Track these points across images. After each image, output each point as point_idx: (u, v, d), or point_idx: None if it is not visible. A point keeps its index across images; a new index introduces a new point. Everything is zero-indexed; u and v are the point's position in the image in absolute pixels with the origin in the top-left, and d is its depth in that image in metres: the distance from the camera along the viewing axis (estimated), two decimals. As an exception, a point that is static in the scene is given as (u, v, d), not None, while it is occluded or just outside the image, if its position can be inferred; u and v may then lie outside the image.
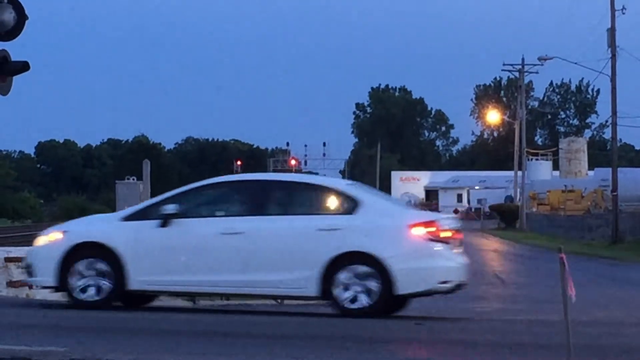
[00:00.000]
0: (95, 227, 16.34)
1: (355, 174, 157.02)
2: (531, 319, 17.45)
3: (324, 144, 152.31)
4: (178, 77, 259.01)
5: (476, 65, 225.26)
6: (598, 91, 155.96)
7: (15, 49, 17.56)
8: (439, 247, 15.43)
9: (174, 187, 18.71)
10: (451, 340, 13.18)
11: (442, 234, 15.52)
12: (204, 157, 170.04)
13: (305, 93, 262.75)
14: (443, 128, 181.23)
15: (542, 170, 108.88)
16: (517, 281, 30.52)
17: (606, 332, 14.62)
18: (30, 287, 18.02)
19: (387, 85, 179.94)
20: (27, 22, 17.32)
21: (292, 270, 15.25)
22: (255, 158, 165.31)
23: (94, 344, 11.58)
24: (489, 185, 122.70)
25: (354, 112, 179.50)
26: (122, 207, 45.14)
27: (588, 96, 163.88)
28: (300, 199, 16.43)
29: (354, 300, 15.11)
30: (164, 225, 15.70)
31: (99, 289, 15.65)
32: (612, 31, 57.63)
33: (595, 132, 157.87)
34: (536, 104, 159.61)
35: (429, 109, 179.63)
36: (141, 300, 16.68)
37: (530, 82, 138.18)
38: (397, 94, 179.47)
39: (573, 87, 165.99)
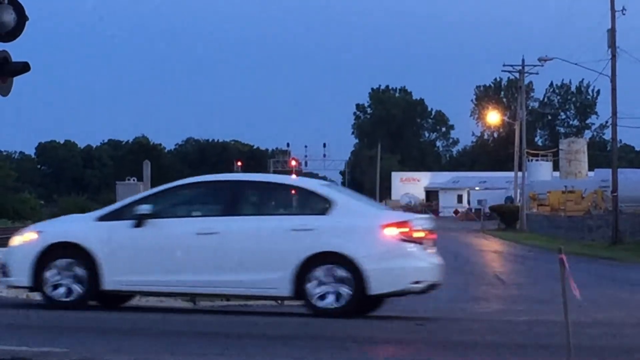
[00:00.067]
0: (70, 227, 16.39)
1: (355, 175, 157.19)
2: (531, 319, 17.46)
3: (324, 145, 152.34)
4: (178, 78, 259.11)
5: (476, 66, 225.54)
6: (598, 92, 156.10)
7: (15, 50, 17.58)
8: (412, 247, 15.50)
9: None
10: (452, 341, 13.19)
11: (415, 235, 15.58)
12: (204, 157, 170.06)
13: (305, 94, 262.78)
14: (443, 129, 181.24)
15: (542, 171, 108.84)
16: (518, 282, 30.51)
17: (606, 332, 14.62)
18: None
19: (387, 86, 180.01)
20: (27, 22, 17.34)
21: (266, 271, 15.33)
22: (256, 159, 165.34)
23: (94, 344, 11.59)
24: (489, 186, 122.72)
25: (354, 113, 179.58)
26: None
27: (588, 97, 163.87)
28: (274, 199, 16.53)
29: (327, 300, 15.18)
30: (138, 225, 15.77)
31: (73, 289, 15.71)
32: (612, 32, 57.61)
33: (595, 133, 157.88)
34: (536, 104, 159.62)
35: (429, 109, 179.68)
36: (117, 300, 16.70)
37: (531, 82, 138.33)
38: (397, 94, 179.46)
39: (573, 88, 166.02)
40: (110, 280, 15.64)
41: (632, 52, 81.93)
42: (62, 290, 15.69)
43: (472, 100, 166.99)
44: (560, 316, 10.29)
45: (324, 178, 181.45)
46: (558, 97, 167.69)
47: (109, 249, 15.71)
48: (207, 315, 16.38)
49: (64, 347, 11.06)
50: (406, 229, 15.46)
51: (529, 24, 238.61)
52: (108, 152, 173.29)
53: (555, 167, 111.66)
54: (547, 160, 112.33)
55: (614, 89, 57.76)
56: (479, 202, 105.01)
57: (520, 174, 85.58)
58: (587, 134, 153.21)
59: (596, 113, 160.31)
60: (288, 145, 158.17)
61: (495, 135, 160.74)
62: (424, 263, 15.68)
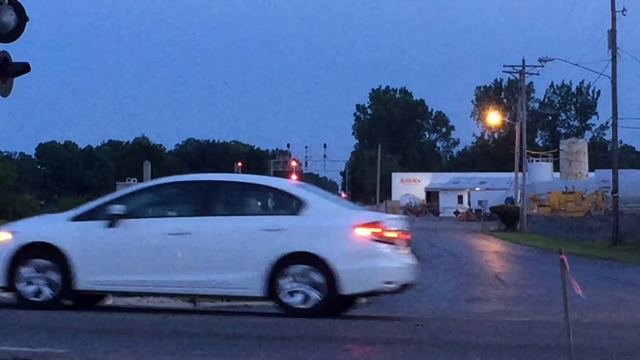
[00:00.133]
0: (43, 227, 16.41)
1: (356, 176, 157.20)
2: (532, 320, 17.45)
3: (325, 146, 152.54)
4: (179, 79, 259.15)
5: (477, 67, 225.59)
6: (599, 92, 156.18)
7: (15, 51, 17.59)
8: (383, 247, 15.50)
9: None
10: (452, 342, 13.18)
11: (388, 235, 15.58)
12: (204, 158, 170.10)
13: (306, 94, 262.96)
14: (444, 129, 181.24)
15: (542, 171, 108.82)
16: (518, 282, 30.49)
17: (607, 333, 14.61)
18: None
19: (387, 87, 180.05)
20: (27, 23, 17.35)
21: (238, 271, 15.37)
22: (256, 159, 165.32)
23: (95, 345, 11.59)
24: (489, 187, 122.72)
25: (355, 114, 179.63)
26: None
27: (589, 97, 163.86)
28: (246, 199, 16.55)
29: (298, 300, 15.22)
30: (111, 225, 15.79)
31: (46, 289, 15.74)
32: (612, 32, 57.61)
33: (595, 134, 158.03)
34: (537, 105, 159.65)
35: (429, 110, 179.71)
36: (92, 299, 16.71)
37: (531, 83, 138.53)
38: (397, 95, 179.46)
39: (574, 89, 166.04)
40: (83, 280, 15.70)
41: (632, 52, 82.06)
42: (35, 289, 15.74)
43: (472, 101, 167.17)
44: (561, 317, 10.29)
45: (325, 178, 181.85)
46: (558, 98, 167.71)
47: (82, 249, 15.76)
48: (207, 316, 16.37)
49: (65, 347, 11.06)
50: (378, 229, 15.48)
51: (530, 24, 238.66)
52: (108, 152, 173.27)
53: (556, 168, 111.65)
54: (547, 161, 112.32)
55: (614, 90, 57.75)
56: (480, 202, 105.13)
57: (520, 174, 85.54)
58: (588, 134, 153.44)
59: (597, 114, 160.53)
60: (288, 146, 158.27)
61: (496, 135, 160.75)
62: (396, 263, 15.68)
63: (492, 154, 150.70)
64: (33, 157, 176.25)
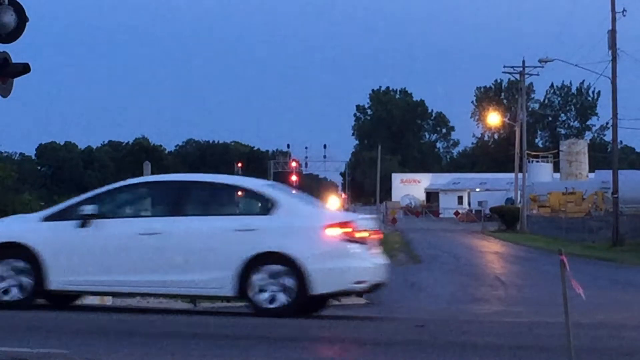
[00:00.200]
0: (15, 227, 16.43)
1: (356, 176, 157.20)
2: (532, 320, 17.45)
3: (325, 146, 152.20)
4: (178, 79, 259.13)
5: (477, 68, 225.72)
6: (599, 93, 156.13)
7: (16, 51, 17.59)
8: (354, 247, 15.54)
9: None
10: (452, 342, 13.18)
11: (358, 235, 15.62)
12: (204, 159, 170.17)
13: (306, 95, 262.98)
14: (444, 130, 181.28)
15: (542, 172, 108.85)
16: (518, 283, 30.52)
17: (607, 334, 14.62)
18: None
19: (387, 87, 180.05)
20: (28, 24, 17.34)
21: (209, 271, 15.39)
22: (256, 160, 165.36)
23: (95, 345, 11.59)
24: (489, 188, 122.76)
25: (355, 114, 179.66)
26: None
27: (589, 98, 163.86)
28: (217, 199, 16.56)
29: (269, 300, 15.27)
30: (83, 225, 15.83)
31: (18, 289, 15.75)
32: (612, 33, 57.66)
33: (596, 134, 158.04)
34: (537, 106, 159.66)
35: (429, 111, 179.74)
36: (66, 299, 16.72)
37: (531, 84, 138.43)
38: (397, 96, 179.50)
39: (574, 89, 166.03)
40: (55, 280, 15.72)
41: (632, 53, 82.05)
42: (9, 290, 15.75)
43: (472, 102, 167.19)
44: (561, 317, 10.28)
45: (324, 179, 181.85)
46: (558, 99, 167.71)
47: (54, 249, 15.78)
48: (207, 317, 16.38)
49: (65, 348, 11.06)
50: (349, 229, 15.53)
51: (530, 25, 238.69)
52: (108, 153, 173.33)
53: (556, 169, 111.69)
54: (547, 162, 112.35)
55: (614, 91, 57.79)
56: (480, 203, 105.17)
57: (520, 175, 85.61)
58: (588, 135, 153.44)
59: (597, 114, 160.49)
60: (288, 146, 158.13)
61: (496, 136, 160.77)
62: (367, 263, 15.71)
63: (492, 155, 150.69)
64: (33, 157, 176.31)
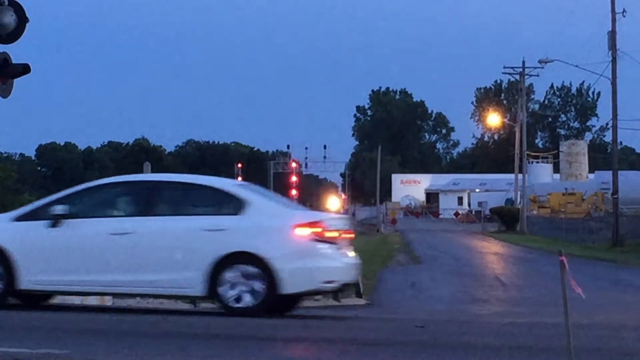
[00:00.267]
0: None
1: (356, 177, 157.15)
2: (532, 321, 17.45)
3: (325, 147, 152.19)
4: (179, 79, 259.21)
5: (477, 68, 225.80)
6: (599, 94, 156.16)
7: (16, 52, 17.59)
8: (324, 247, 15.57)
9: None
10: (452, 343, 13.19)
11: (328, 234, 15.64)
12: (204, 159, 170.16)
13: (306, 96, 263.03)
14: (444, 131, 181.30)
15: (542, 173, 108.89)
16: (518, 284, 30.53)
17: (607, 335, 14.61)
18: None
19: (387, 88, 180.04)
20: (28, 24, 17.34)
21: (180, 271, 15.42)
22: (256, 161, 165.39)
23: (94, 346, 11.59)
24: (489, 188, 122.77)
25: (355, 115, 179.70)
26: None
27: (589, 99, 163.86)
28: (188, 199, 16.58)
29: (239, 299, 15.29)
30: (54, 225, 15.84)
31: None
32: (612, 34, 57.67)
33: (595, 135, 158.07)
34: (537, 106, 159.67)
35: (429, 111, 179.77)
36: (39, 299, 16.72)
37: (531, 84, 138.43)
38: (397, 96, 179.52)
39: (574, 90, 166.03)
40: (26, 280, 15.73)
41: (632, 54, 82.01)
42: None
43: (472, 102, 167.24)
44: (561, 318, 10.28)
45: (324, 180, 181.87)
46: (558, 99, 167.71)
47: (25, 249, 15.80)
48: (207, 317, 16.38)
49: (65, 348, 11.06)
50: (318, 229, 15.56)
51: (530, 26, 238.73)
52: (108, 153, 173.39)
53: (556, 169, 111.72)
54: (547, 163, 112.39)
55: (614, 91, 57.81)
56: (480, 204, 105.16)
57: (520, 176, 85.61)
58: (588, 136, 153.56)
59: (597, 115, 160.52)
60: (288, 147, 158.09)
61: (496, 137, 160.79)
62: (336, 263, 15.73)
63: (492, 156, 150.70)
64: (33, 158, 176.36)
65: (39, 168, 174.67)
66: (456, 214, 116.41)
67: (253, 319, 15.46)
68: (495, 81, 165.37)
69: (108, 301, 19.72)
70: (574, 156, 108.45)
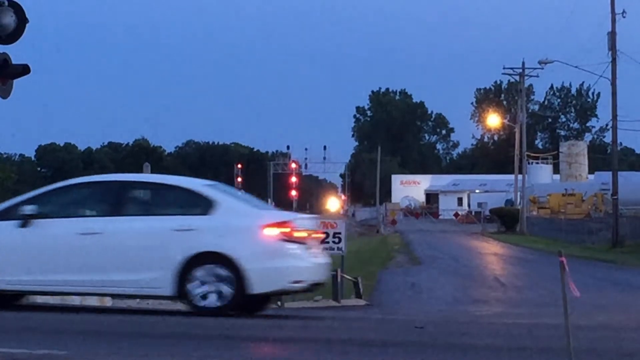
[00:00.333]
0: None
1: (355, 178, 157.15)
2: (532, 322, 17.44)
3: (325, 148, 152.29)
4: (178, 80, 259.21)
5: (476, 69, 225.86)
6: (598, 95, 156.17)
7: (15, 52, 17.59)
8: (292, 247, 15.61)
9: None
10: (452, 344, 13.18)
11: (297, 234, 15.68)
12: (204, 160, 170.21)
13: (306, 96, 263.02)
14: (443, 131, 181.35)
15: (542, 173, 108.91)
16: (518, 284, 30.53)
17: (607, 335, 14.61)
18: None
19: (387, 89, 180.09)
20: (27, 25, 17.34)
21: (148, 270, 15.44)
22: (256, 161, 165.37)
23: (94, 347, 11.58)
24: (489, 189, 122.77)
25: (355, 116, 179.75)
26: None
27: (588, 100, 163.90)
28: (157, 199, 16.60)
29: (207, 299, 15.33)
30: (23, 225, 15.83)
31: None
32: (612, 35, 57.67)
33: (595, 136, 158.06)
34: (537, 107, 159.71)
35: (429, 112, 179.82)
36: (10, 299, 16.67)
37: (531, 85, 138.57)
38: (397, 97, 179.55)
39: (573, 91, 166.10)
40: None
41: (632, 55, 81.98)
42: None
43: (472, 103, 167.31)
44: (560, 319, 10.28)
45: (324, 180, 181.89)
46: (558, 100, 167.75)
47: None
48: (207, 318, 16.37)
49: (64, 349, 11.05)
50: (287, 229, 15.60)
51: (530, 26, 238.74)
52: (108, 154, 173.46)
53: (556, 170, 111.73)
54: (547, 163, 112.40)
55: (614, 92, 57.81)
56: (479, 204, 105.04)
57: (520, 176, 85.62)
58: (588, 136, 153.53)
59: (596, 116, 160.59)
60: (288, 147, 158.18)
61: (496, 138, 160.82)
62: (305, 263, 15.76)
63: (492, 156, 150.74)
64: (33, 158, 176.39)
65: (38, 169, 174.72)
66: (456, 214, 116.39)
67: (252, 320, 15.47)
68: (495, 82, 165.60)
69: (108, 302, 19.73)
70: (573, 157, 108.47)
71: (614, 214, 57.40)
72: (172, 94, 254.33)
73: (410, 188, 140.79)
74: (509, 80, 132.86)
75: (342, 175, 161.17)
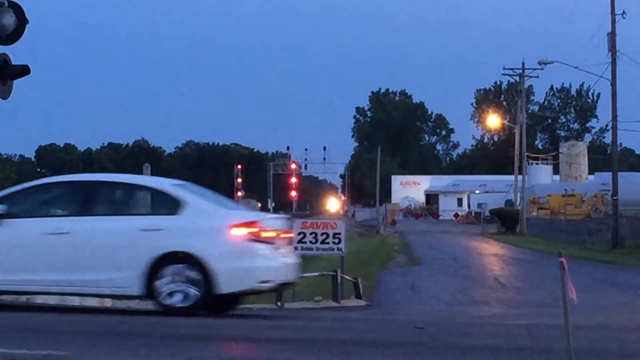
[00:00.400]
0: None
1: (355, 178, 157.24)
2: (531, 322, 17.45)
3: (325, 148, 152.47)
4: (178, 81, 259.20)
5: (476, 70, 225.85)
6: (598, 95, 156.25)
7: (15, 53, 17.59)
8: (260, 247, 15.68)
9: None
10: (451, 344, 13.19)
11: (265, 234, 15.74)
12: (204, 161, 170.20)
13: (306, 97, 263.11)
14: (443, 132, 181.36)
15: (542, 174, 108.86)
16: (517, 285, 30.52)
17: (607, 336, 14.62)
18: None
19: (387, 89, 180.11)
20: (27, 26, 17.34)
21: (117, 270, 15.50)
22: (256, 162, 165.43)
23: (94, 347, 11.59)
24: (489, 190, 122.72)
25: (355, 116, 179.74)
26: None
27: (588, 100, 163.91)
28: (125, 199, 16.69)
29: (176, 298, 15.38)
30: None
31: None
32: (612, 35, 57.65)
33: (595, 137, 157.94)
34: (536, 108, 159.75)
35: (429, 113, 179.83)
36: None
37: (531, 86, 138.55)
38: (397, 98, 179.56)
39: (573, 91, 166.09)
40: None
41: (632, 55, 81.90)
42: None
43: (472, 104, 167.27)
44: (560, 319, 10.28)
45: (324, 181, 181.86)
46: (558, 101, 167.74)
47: None
48: (207, 319, 16.38)
49: (65, 350, 11.06)
50: (255, 229, 15.66)
51: (530, 26, 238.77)
52: (108, 155, 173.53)
53: (556, 171, 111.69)
54: (547, 164, 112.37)
55: (614, 93, 57.79)
56: (479, 205, 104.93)
57: (520, 177, 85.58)
58: (588, 137, 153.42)
59: (596, 116, 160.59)
60: (288, 148, 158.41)
61: (496, 138, 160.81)
62: (272, 262, 15.83)
63: (492, 157, 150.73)
64: (33, 159, 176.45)
65: (38, 169, 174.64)
66: (456, 215, 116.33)
67: (253, 320, 15.47)
68: (495, 82, 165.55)
69: (107, 302, 19.72)
70: (573, 157, 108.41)
71: (614, 215, 57.38)
72: (172, 94, 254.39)
73: (410, 189, 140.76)
74: (508, 81, 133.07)
75: (342, 176, 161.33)
